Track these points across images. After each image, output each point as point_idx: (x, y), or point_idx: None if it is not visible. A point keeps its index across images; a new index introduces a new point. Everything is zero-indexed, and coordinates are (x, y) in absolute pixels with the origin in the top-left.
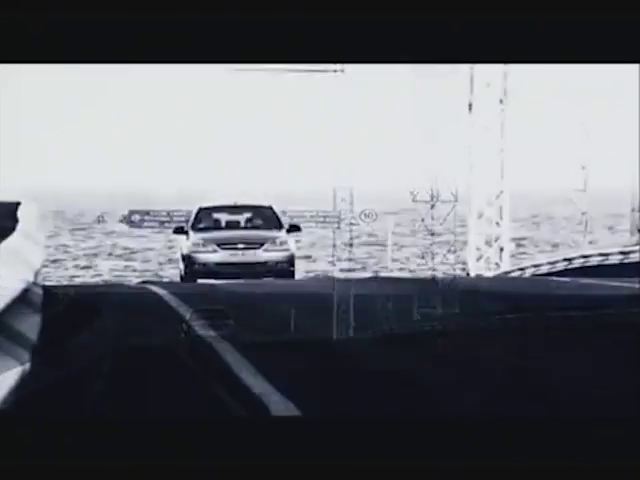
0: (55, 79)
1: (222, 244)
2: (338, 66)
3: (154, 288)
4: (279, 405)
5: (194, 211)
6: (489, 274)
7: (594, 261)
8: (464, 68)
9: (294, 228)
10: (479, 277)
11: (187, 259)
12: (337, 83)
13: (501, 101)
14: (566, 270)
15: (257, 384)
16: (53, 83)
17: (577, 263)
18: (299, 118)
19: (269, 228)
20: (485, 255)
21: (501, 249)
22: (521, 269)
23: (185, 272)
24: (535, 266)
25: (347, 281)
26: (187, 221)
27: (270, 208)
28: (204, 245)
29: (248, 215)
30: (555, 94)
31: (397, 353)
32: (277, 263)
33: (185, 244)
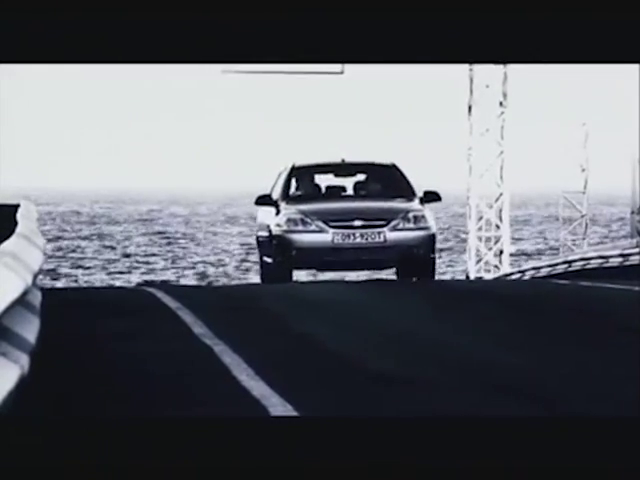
0: (51, 80)
1: (332, 220)
2: (337, 67)
3: (152, 290)
4: (278, 407)
5: (284, 172)
6: (489, 277)
7: (594, 264)
8: (463, 70)
9: (431, 196)
10: (478, 280)
11: (279, 242)
12: (337, 84)
13: (501, 103)
14: (566, 273)
15: (257, 386)
16: (49, 84)
17: (577, 266)
18: (295, 118)
19: (396, 196)
20: (485, 258)
21: (501, 252)
22: (521, 272)
23: (274, 260)
24: (535, 269)
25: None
26: (274, 187)
27: (394, 167)
28: (304, 222)
29: (362, 178)
30: (554, 96)
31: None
32: (411, 247)
33: (274, 220)
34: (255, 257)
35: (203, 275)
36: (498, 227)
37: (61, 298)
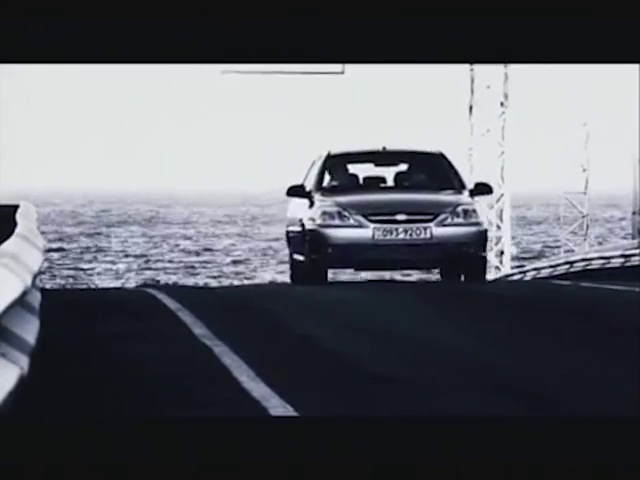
0: (51, 80)
1: (372, 214)
2: (338, 67)
3: (153, 291)
4: (278, 409)
5: (318, 160)
6: (490, 277)
7: (595, 264)
8: (464, 70)
9: (482, 188)
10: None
11: (312, 238)
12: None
13: (502, 104)
14: (567, 273)
15: (257, 387)
16: (49, 84)
17: (578, 266)
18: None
19: (443, 188)
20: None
21: (501, 252)
22: (522, 272)
23: (307, 258)
24: (536, 269)
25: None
26: (307, 177)
27: (441, 156)
28: (342, 216)
29: (404, 167)
30: (555, 97)
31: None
32: (460, 245)
33: (307, 213)
34: (256, 258)
35: (203, 276)
36: (499, 227)
37: (61, 299)
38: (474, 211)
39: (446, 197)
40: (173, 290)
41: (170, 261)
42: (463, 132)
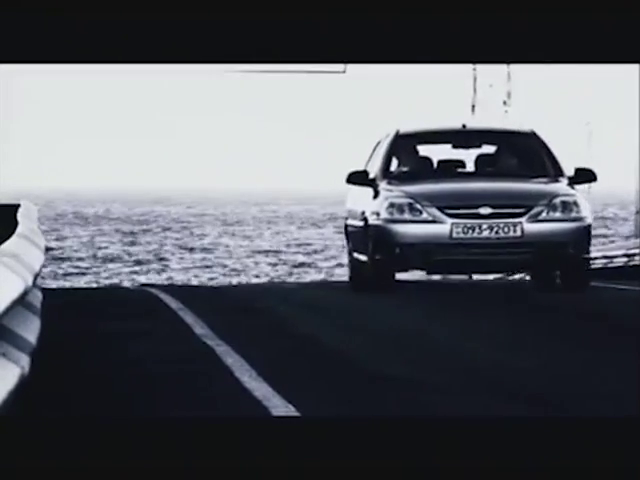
0: (47, 80)
1: (450, 207)
2: (340, 66)
3: (154, 291)
4: (280, 409)
5: (385, 140)
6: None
7: (599, 263)
8: (467, 69)
9: (585, 175)
10: (481, 280)
11: (377, 235)
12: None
13: (504, 102)
14: None
15: (258, 387)
16: (44, 84)
17: None
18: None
19: (537, 175)
20: None
21: None
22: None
23: (371, 259)
24: None
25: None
26: (370, 161)
27: (534, 135)
28: (413, 209)
29: (489, 150)
30: (558, 95)
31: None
32: (558, 245)
33: (371, 206)
34: (257, 258)
35: (203, 276)
36: None
37: (62, 298)
38: (575, 203)
39: (540, 186)
40: (174, 290)
41: (170, 260)
42: None
